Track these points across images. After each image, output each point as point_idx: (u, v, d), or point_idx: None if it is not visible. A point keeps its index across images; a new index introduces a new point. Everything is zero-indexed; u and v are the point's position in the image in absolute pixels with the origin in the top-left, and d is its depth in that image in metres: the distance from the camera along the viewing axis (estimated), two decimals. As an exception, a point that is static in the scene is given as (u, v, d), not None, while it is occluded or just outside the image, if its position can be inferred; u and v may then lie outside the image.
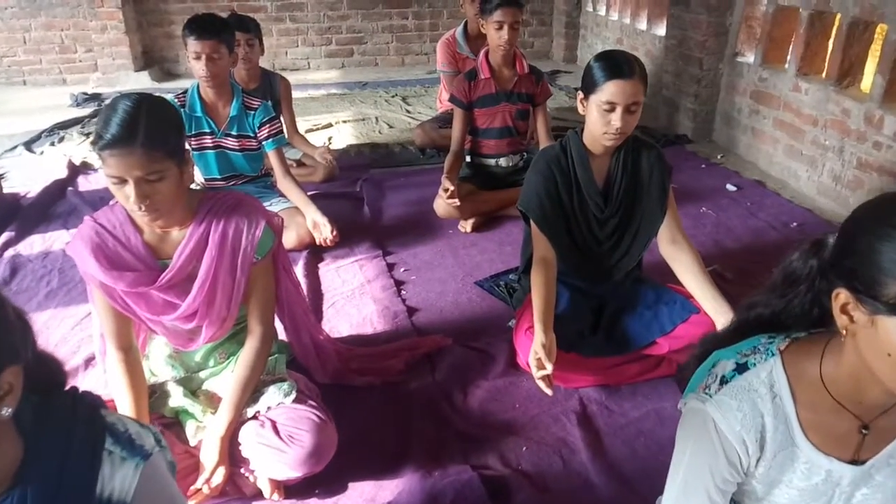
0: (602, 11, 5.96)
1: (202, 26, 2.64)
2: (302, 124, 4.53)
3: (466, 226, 3.07)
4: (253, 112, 2.84)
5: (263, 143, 2.87)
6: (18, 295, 2.53)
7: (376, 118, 4.91)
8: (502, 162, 3.26)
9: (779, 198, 3.35)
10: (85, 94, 5.45)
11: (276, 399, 1.59)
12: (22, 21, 5.79)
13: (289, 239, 2.80)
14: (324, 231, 2.77)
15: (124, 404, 1.55)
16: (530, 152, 3.39)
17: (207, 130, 2.84)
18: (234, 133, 2.86)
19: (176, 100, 2.80)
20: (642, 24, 5.19)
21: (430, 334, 2.24)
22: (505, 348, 2.14)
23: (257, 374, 1.60)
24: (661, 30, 4.85)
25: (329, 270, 2.71)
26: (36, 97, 5.57)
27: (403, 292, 2.55)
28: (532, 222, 2.04)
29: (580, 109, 1.97)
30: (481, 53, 3.15)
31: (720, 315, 1.87)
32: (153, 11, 6.00)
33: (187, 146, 2.80)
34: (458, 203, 2.90)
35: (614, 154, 2.01)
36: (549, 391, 1.72)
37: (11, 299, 0.83)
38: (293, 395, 1.60)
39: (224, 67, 2.72)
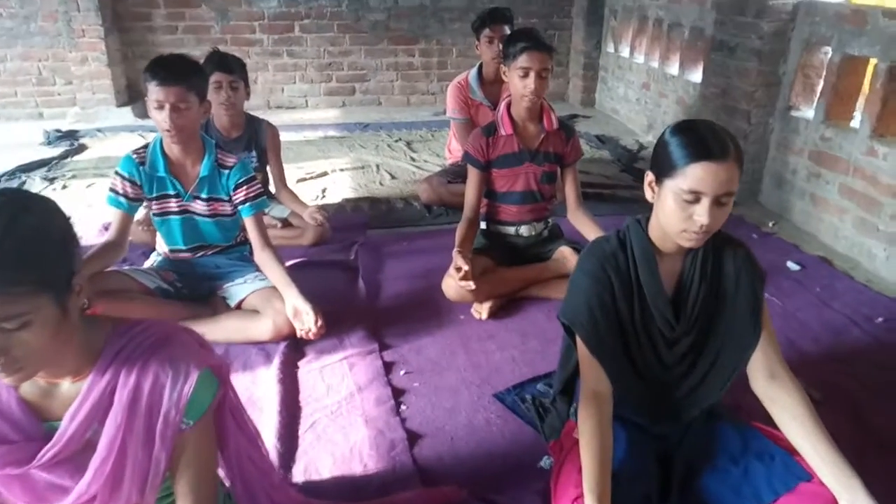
0: (625, 53, 5.52)
1: (167, 69, 2.17)
2: (294, 172, 4.06)
3: (482, 311, 2.54)
4: (228, 171, 2.37)
5: (239, 207, 2.38)
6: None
7: (377, 166, 4.42)
8: (523, 231, 2.76)
9: (852, 282, 2.81)
10: (59, 131, 4.98)
11: None
12: (-3, 50, 5.36)
13: (264, 329, 2.29)
14: (306, 321, 2.24)
15: None
16: (555, 216, 2.89)
17: (172, 192, 2.36)
18: (203, 196, 2.38)
19: (134, 155, 2.33)
20: (673, 69, 4.72)
21: (437, 479, 1.70)
22: (537, 505, 1.61)
23: None
24: (695, 76, 4.38)
25: (311, 371, 2.18)
26: (8, 133, 5.11)
27: (403, 407, 2.02)
28: (579, 341, 1.52)
29: (648, 195, 1.47)
30: (502, 105, 2.66)
31: (845, 490, 1.34)
32: (139, 43, 5.56)
33: (146, 209, 2.35)
34: (473, 286, 2.38)
35: (689, 253, 1.51)
36: None
37: None
38: None
39: (193, 119, 2.24)
